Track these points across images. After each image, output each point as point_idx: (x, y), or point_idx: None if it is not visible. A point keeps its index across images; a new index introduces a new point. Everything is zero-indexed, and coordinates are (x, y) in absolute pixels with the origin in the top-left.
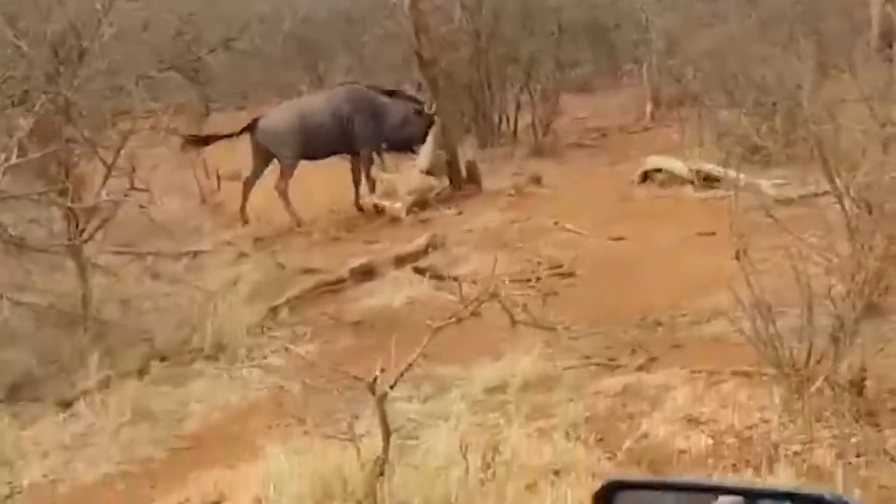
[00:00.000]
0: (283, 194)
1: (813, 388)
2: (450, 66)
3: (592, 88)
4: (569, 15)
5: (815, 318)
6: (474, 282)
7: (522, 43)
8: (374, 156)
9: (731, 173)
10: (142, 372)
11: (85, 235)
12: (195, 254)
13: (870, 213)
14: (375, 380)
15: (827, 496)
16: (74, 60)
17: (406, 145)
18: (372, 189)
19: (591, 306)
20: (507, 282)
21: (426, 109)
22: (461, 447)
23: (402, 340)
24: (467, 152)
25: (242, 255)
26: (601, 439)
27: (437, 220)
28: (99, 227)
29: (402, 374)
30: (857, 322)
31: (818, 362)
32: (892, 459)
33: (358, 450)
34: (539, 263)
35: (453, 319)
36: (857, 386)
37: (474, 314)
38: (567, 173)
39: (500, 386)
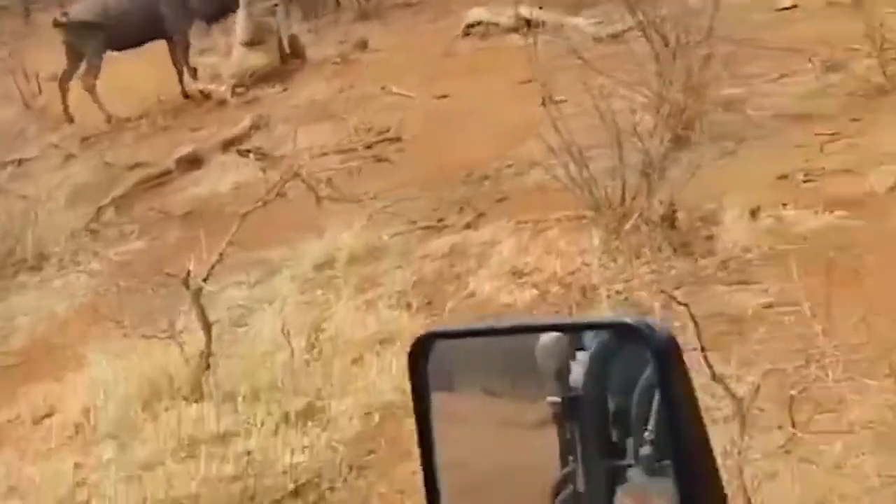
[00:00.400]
0: (91, 90)
1: (628, 226)
2: None
3: None
4: None
5: (627, 155)
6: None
7: None
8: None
9: (551, 16)
10: None
11: None
12: (19, 161)
13: (665, 45)
14: (189, 274)
15: (630, 321)
16: None
17: (221, 14)
18: (194, 75)
19: (420, 168)
20: (330, 154)
21: None
22: (282, 330)
23: (225, 228)
24: (291, 25)
25: (70, 156)
26: (429, 303)
27: (263, 98)
28: None
29: (213, 267)
30: (666, 156)
31: (633, 199)
32: None
33: (181, 346)
34: (368, 131)
35: (259, 203)
36: (669, 219)
37: (280, 195)
38: (392, 35)
39: (327, 262)
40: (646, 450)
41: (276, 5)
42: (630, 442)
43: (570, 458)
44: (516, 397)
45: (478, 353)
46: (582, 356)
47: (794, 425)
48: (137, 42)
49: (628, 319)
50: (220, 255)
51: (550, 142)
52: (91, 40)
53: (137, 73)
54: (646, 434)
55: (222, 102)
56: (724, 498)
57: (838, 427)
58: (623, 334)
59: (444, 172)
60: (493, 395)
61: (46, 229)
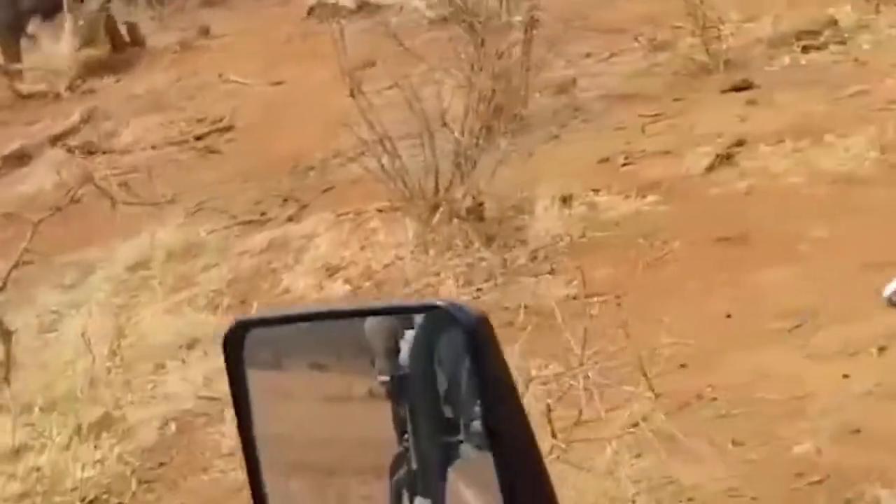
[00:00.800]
0: None
1: (435, 219)
2: None
3: None
4: None
5: (442, 145)
6: (127, 152)
7: None
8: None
9: None
10: None
11: None
12: None
13: (472, 29)
14: None
15: (440, 303)
16: None
17: (53, 9)
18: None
19: (248, 159)
20: (160, 147)
21: None
22: (83, 336)
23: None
24: (131, 12)
25: None
26: (243, 301)
27: (99, 90)
28: None
29: (8, 274)
30: (478, 145)
31: (446, 190)
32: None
33: None
34: (200, 121)
35: (51, 212)
36: (476, 211)
37: (74, 201)
38: (237, 20)
39: (143, 262)
40: (475, 425)
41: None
42: (462, 418)
43: (405, 435)
44: (345, 371)
45: (305, 335)
46: (409, 335)
47: (554, 434)
48: None
49: (439, 302)
50: (15, 263)
51: (363, 133)
52: None
53: None
54: (475, 409)
55: (57, 96)
56: (543, 472)
57: (602, 433)
58: (436, 316)
59: (271, 164)
60: (321, 370)
61: None
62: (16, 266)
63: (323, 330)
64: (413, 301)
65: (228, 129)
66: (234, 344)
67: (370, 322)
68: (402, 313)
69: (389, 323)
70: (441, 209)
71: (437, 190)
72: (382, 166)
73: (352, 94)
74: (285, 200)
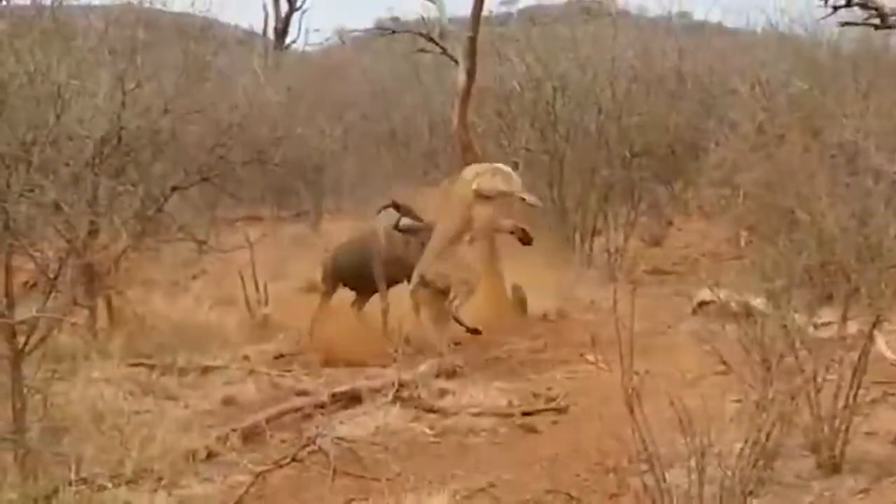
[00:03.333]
0: None
1: None
2: None
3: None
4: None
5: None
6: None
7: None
8: None
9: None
10: None
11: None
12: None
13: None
14: None
15: None
16: None
17: None
18: None
19: (562, 447)
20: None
21: None
22: None
23: None
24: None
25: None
26: None
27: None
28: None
29: None
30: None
31: None
32: None
33: None
34: (536, 395)
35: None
36: None
37: (295, 460)
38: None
39: None
40: None
41: None
42: None
43: None
44: None
45: None
46: None
47: None
48: None
49: None
50: None
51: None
52: None
53: None
54: None
55: None
56: None
57: None
58: None
59: (582, 455)
60: None
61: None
62: None
63: None
64: None
65: (562, 410)
66: None
67: None
68: None
69: None
70: None
71: None
72: (645, 486)
73: (630, 409)
74: (571, 499)
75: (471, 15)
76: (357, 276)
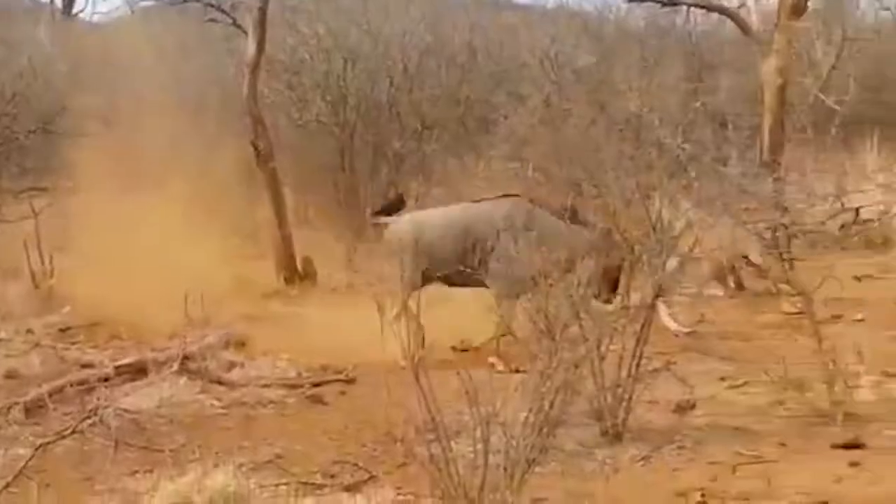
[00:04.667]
0: None
1: None
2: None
3: None
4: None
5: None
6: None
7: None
8: None
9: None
10: None
11: None
12: None
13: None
14: None
15: None
16: None
17: None
18: None
19: (350, 417)
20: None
21: None
22: None
23: None
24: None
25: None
26: None
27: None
28: None
29: None
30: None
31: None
32: None
33: None
34: (324, 368)
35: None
36: None
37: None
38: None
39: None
40: None
41: None
42: None
43: None
44: None
45: None
46: None
47: None
48: None
49: None
50: None
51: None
52: None
53: None
54: None
55: None
56: None
57: None
58: None
59: (369, 426)
60: None
61: None
62: None
63: None
64: None
65: (349, 381)
66: None
67: None
68: None
69: None
70: None
71: (481, 489)
72: (431, 456)
73: (416, 378)
74: (357, 468)
75: None
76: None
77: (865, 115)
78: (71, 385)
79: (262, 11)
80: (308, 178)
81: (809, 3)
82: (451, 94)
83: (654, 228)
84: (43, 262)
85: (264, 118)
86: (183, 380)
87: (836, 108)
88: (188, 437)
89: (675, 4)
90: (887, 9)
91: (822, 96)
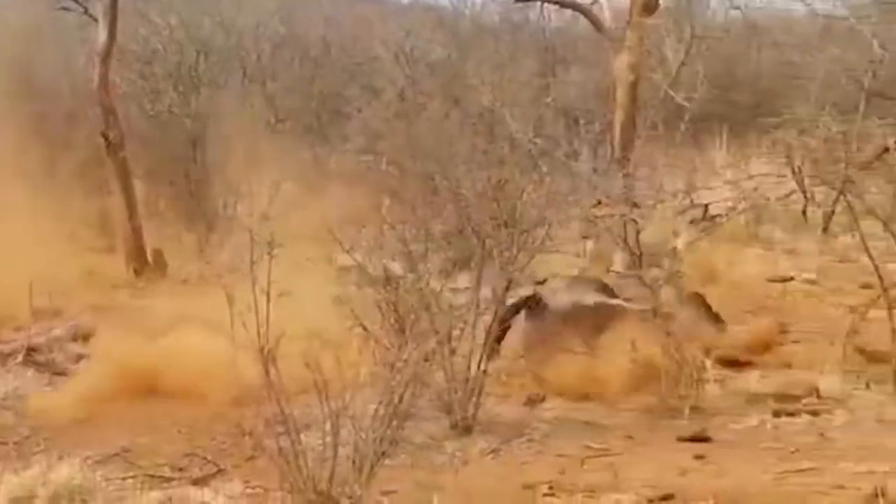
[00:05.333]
0: None
1: None
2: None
3: None
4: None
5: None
6: None
7: None
8: None
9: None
10: None
11: None
12: None
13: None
14: None
15: None
16: None
17: None
18: None
19: (203, 409)
20: None
21: None
22: None
23: None
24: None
25: None
26: None
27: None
28: None
29: None
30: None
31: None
32: None
33: None
34: None
35: None
36: None
37: None
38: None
39: (27, 497)
40: None
41: None
42: None
43: None
44: None
45: None
46: None
47: None
48: None
49: None
50: None
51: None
52: None
53: None
54: None
55: None
56: None
57: None
58: None
59: (223, 416)
60: None
61: None
62: None
63: None
64: None
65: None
66: None
67: None
68: None
69: None
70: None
71: (330, 482)
72: (280, 448)
73: (265, 370)
74: (207, 461)
75: None
76: None
77: (715, 113)
78: None
79: (114, 0)
80: (160, 169)
81: (661, 1)
82: (304, 87)
83: (505, 223)
84: None
85: (115, 108)
86: (30, 372)
87: (686, 104)
88: (33, 429)
89: (529, 0)
90: (737, 8)
91: (672, 93)
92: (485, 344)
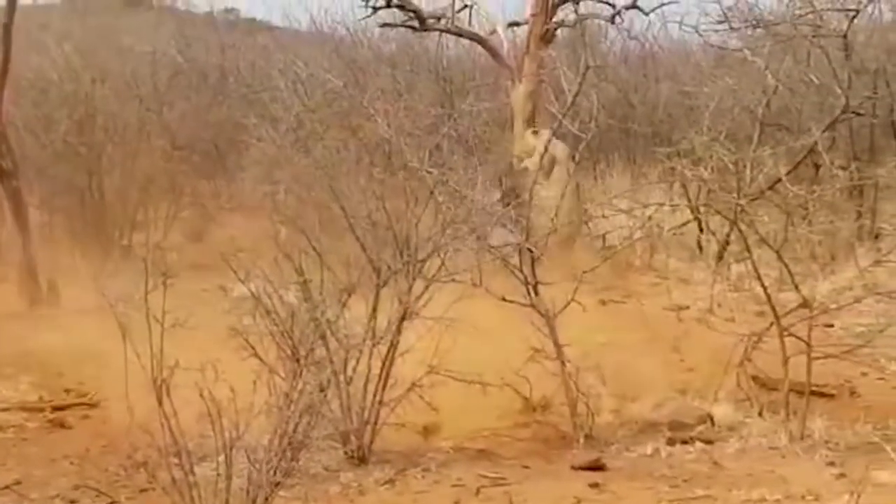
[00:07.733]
0: None
1: None
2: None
3: None
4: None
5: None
6: None
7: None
8: None
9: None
10: None
11: None
12: None
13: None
14: None
15: None
16: None
17: None
18: None
19: (93, 441)
20: None
21: None
22: None
23: None
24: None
25: None
26: None
27: None
28: None
29: None
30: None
31: None
32: None
33: None
34: (67, 391)
35: None
36: None
37: None
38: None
39: None
40: None
41: None
42: None
43: None
44: None
45: None
46: None
47: None
48: None
49: None
50: None
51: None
52: None
53: None
54: None
55: None
56: None
57: None
58: None
59: (113, 450)
60: None
61: None
62: None
63: None
64: None
65: (93, 405)
66: None
67: None
68: None
69: None
70: None
71: None
72: (174, 480)
73: (159, 401)
74: (99, 494)
75: (6, 2)
76: None
77: (611, 142)
78: None
79: (7, 27)
80: (55, 197)
81: (558, 32)
82: (201, 115)
83: (401, 252)
84: None
85: (8, 136)
86: None
87: (582, 135)
88: None
89: (426, 30)
90: (635, 38)
91: (567, 123)
92: (380, 374)
